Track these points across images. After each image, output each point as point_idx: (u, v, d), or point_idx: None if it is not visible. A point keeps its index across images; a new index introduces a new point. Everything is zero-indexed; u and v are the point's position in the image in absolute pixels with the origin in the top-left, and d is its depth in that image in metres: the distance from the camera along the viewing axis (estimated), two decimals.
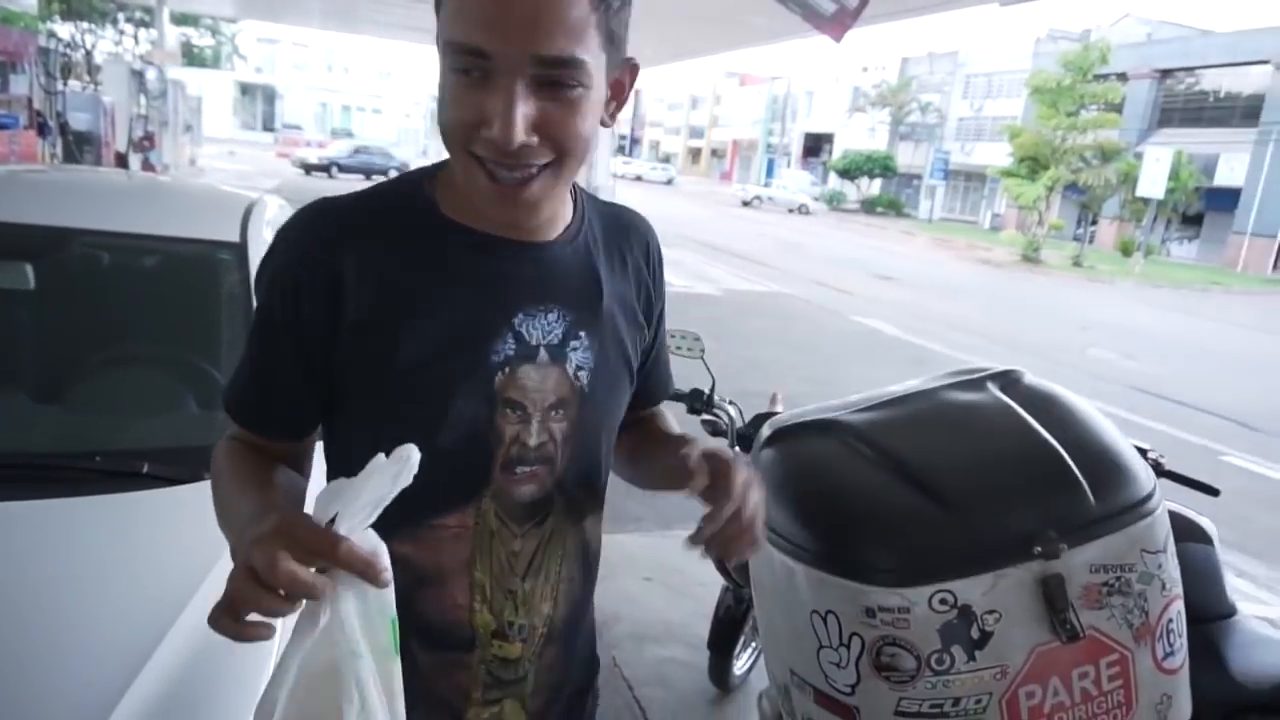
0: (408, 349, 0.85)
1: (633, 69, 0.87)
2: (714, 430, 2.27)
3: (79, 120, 12.56)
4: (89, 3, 23.78)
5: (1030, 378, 1.51)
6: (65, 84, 12.64)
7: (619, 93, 0.86)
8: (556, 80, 0.76)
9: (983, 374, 1.51)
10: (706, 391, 2.23)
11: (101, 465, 1.62)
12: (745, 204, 37.51)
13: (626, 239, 1.01)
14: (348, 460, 0.88)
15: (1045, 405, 1.42)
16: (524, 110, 0.76)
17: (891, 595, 1.24)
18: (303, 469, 0.98)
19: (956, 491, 1.29)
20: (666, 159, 62.61)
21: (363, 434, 0.87)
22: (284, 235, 0.89)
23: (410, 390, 0.86)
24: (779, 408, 2.22)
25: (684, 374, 2.22)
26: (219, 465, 0.92)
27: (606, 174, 12.33)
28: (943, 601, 1.23)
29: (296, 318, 0.86)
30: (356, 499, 0.67)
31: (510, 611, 0.92)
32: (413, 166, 1.00)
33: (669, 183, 49.27)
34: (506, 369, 0.88)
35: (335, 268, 0.85)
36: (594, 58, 0.77)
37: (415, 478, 0.68)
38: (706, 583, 2.84)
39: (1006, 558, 1.25)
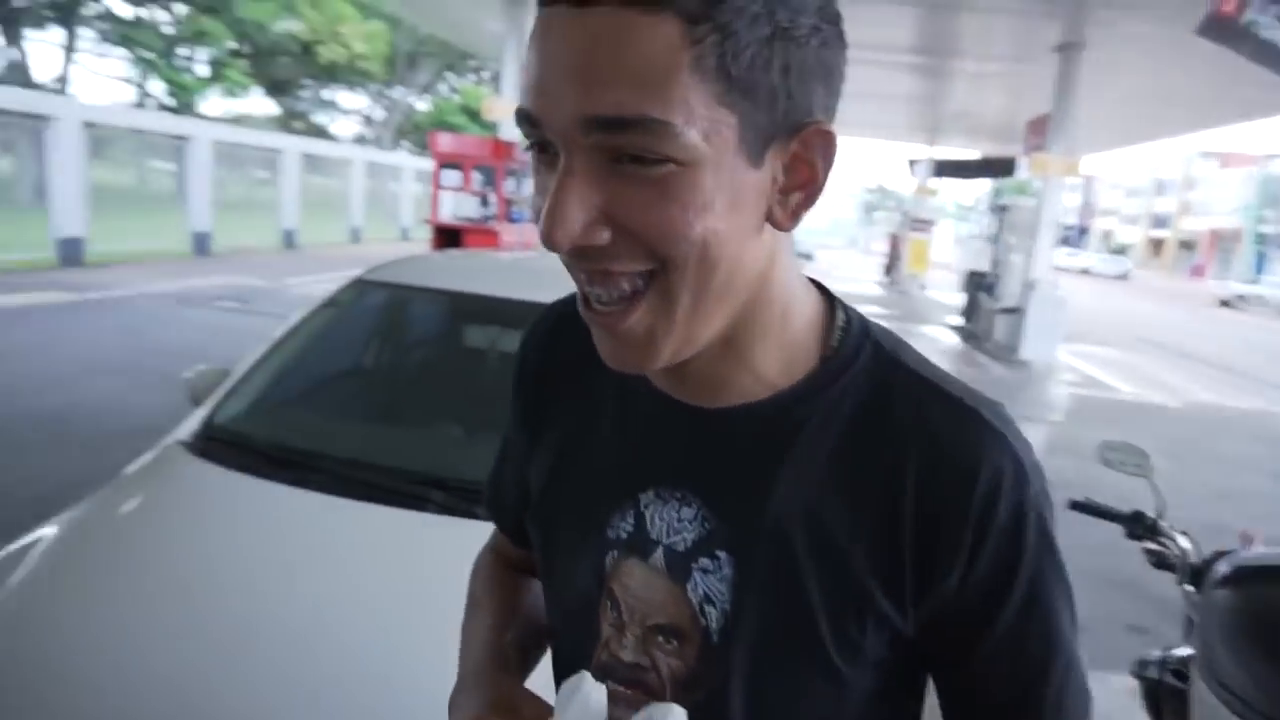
0: (552, 484, 0.73)
1: (823, 139, 0.56)
2: (1158, 561, 1.97)
3: None
4: None
5: None
6: None
7: (804, 177, 0.56)
8: (632, 153, 0.51)
9: None
10: (1150, 515, 1.96)
11: None
12: (1223, 304, 32.00)
13: (898, 452, 0.60)
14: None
15: None
16: (581, 194, 0.52)
17: None
18: None
19: None
20: (1120, 250, 56.13)
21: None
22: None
23: (547, 525, 0.73)
24: (1258, 551, 1.86)
25: (1124, 492, 1.94)
26: (470, 583, 0.86)
27: (1047, 267, 11.39)
28: None
29: (512, 411, 0.79)
30: None
31: None
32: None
33: (1122, 277, 44.07)
34: (616, 552, 0.67)
35: (537, 368, 0.76)
36: (694, 118, 0.50)
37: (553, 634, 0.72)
38: None
39: None
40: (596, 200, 0.52)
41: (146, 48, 24.94)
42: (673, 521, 0.64)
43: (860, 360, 0.62)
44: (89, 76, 47.74)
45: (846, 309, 0.66)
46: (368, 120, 34.56)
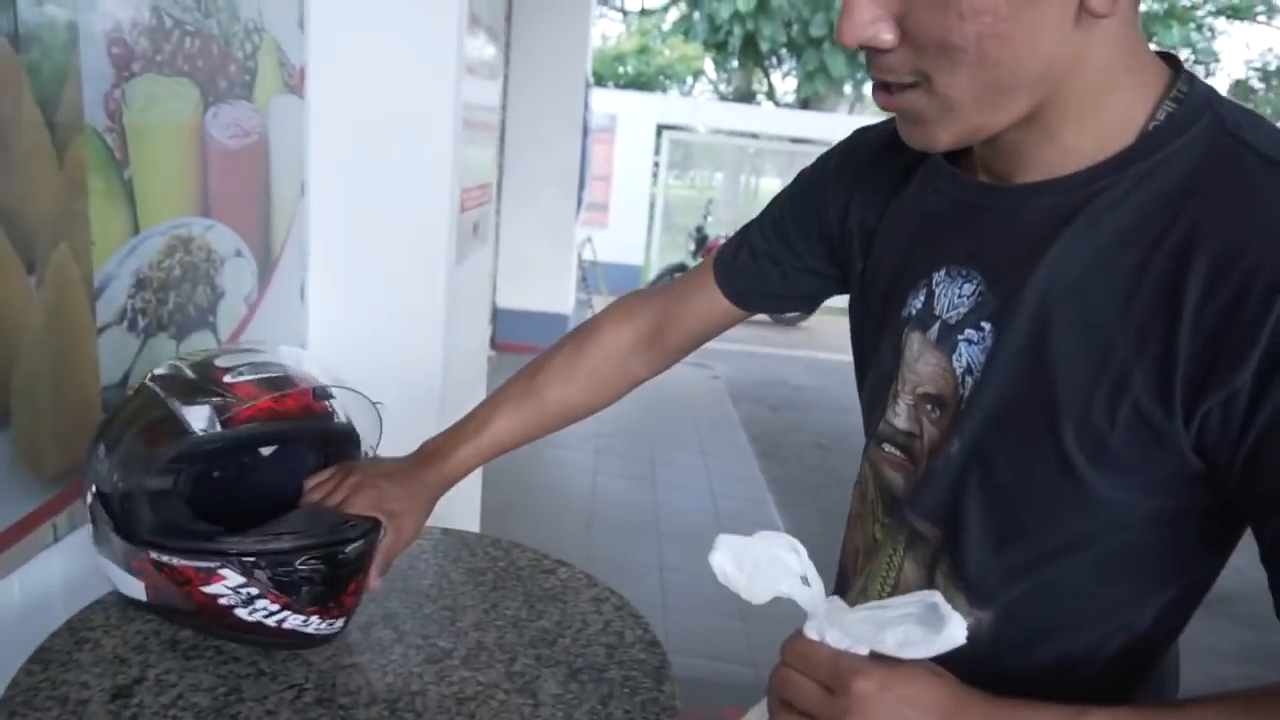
0: (869, 268, 0.77)
1: None
2: None
3: None
4: None
5: None
6: None
7: None
8: None
9: None
10: None
11: None
12: None
13: (1195, 223, 0.53)
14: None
15: None
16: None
17: None
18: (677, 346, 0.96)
19: None
20: None
21: None
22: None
23: (868, 302, 0.77)
24: None
25: None
26: (560, 346, 0.99)
27: None
28: None
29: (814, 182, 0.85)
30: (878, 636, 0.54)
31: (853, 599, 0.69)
32: None
33: None
34: (907, 328, 0.70)
35: (868, 155, 0.79)
36: None
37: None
38: None
39: None
40: (887, 4, 0.56)
41: None
42: (954, 297, 0.65)
43: (1189, 134, 0.57)
44: None
45: (1194, 81, 0.59)
46: None
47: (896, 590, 0.71)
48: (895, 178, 0.76)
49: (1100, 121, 0.59)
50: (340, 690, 0.86)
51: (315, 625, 0.84)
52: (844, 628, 0.55)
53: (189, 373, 0.88)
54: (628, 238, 9.43)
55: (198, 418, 0.82)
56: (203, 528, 0.84)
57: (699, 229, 9.05)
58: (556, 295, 6.27)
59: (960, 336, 0.64)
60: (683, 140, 10.43)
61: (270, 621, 0.83)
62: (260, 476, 0.96)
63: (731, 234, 0.97)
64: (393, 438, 1.92)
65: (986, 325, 0.62)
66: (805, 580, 0.57)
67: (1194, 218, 0.53)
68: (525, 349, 6.12)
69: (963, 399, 0.64)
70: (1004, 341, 0.61)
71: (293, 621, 0.83)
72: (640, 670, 0.93)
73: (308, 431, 0.90)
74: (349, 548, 0.83)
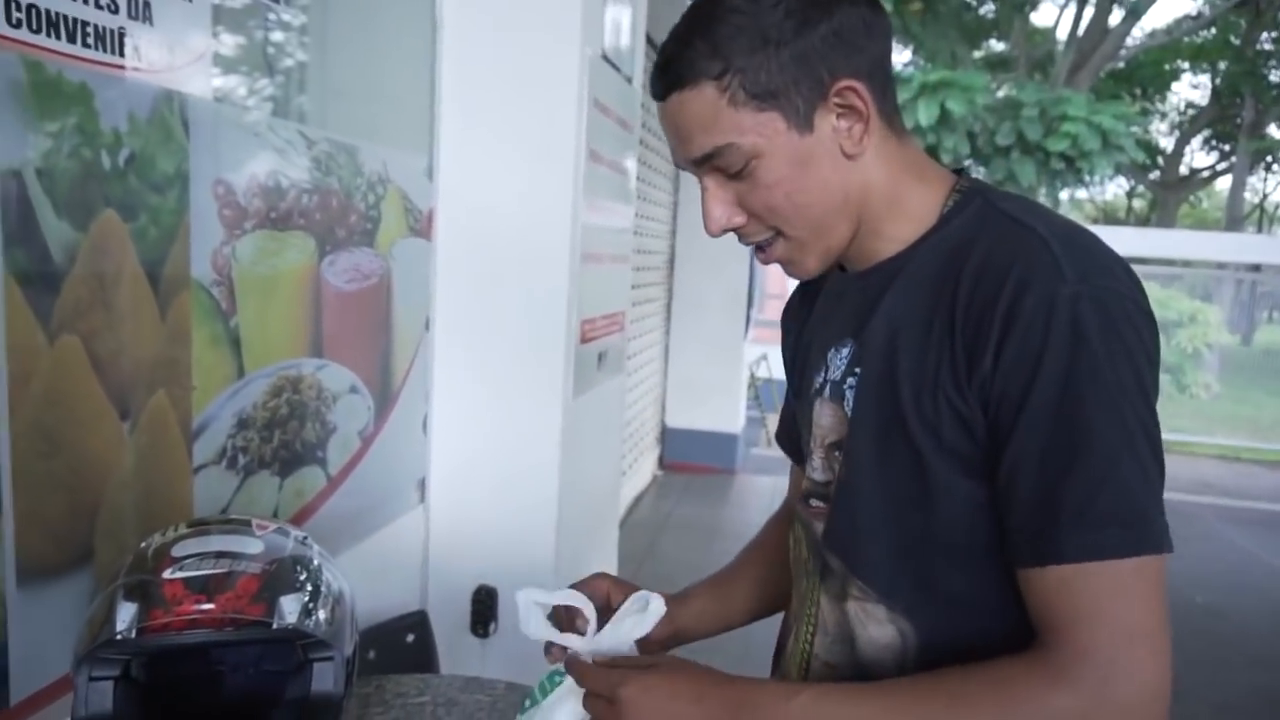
0: (794, 378, 0.96)
1: (849, 89, 0.74)
2: None
3: None
4: None
5: None
6: None
7: (854, 117, 0.76)
8: (727, 170, 0.77)
9: None
10: None
11: None
12: None
13: (962, 265, 0.74)
14: None
15: None
16: (716, 198, 0.79)
17: None
18: None
19: None
20: None
21: None
22: None
23: (799, 401, 0.93)
24: None
25: None
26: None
27: None
28: None
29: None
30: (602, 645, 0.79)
31: (790, 653, 0.89)
32: None
33: None
34: (816, 400, 0.85)
35: (794, 317, 0.99)
36: (743, 131, 0.74)
37: None
38: None
39: None
40: (729, 199, 0.79)
41: None
42: (838, 362, 0.82)
43: (967, 211, 0.78)
44: None
45: (971, 179, 0.81)
46: None
47: (817, 631, 0.82)
48: (808, 306, 0.96)
49: (907, 215, 0.79)
50: None
51: None
52: (598, 647, 0.78)
53: (151, 553, 0.86)
54: None
55: (124, 617, 0.79)
56: None
57: None
58: (726, 414, 6.19)
59: (845, 386, 0.81)
60: None
61: None
62: (230, 670, 0.93)
63: None
64: (508, 570, 1.89)
65: (859, 369, 0.79)
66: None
67: (968, 258, 0.73)
68: (694, 469, 6.05)
69: (852, 424, 0.80)
70: (865, 374, 0.78)
71: None
72: None
73: (227, 643, 0.83)
74: None
